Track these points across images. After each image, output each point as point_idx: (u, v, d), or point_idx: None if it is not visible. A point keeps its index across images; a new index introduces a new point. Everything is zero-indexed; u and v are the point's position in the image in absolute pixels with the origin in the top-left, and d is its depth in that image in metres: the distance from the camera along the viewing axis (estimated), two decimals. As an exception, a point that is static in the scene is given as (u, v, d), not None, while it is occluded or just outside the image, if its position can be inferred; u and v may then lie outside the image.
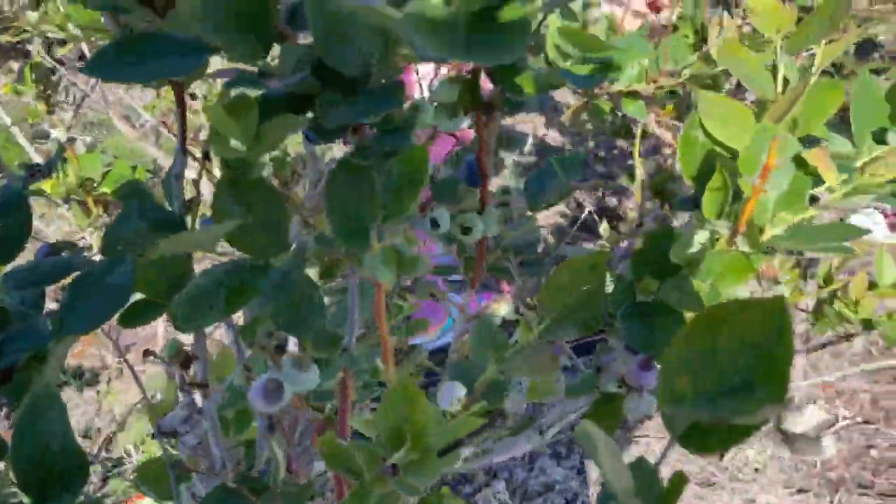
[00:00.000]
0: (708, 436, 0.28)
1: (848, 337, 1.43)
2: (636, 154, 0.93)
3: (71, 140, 0.84)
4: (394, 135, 0.40)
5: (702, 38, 0.91)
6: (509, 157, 2.29)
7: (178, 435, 0.56)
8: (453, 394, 0.47)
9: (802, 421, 1.86)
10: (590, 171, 2.45)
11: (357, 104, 0.35)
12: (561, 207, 2.65)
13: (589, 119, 1.20)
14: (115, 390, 1.70)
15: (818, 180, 0.49)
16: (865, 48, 1.33)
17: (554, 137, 2.48)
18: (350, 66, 0.33)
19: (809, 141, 0.54)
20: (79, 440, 1.72)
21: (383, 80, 0.37)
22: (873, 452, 1.81)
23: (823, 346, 2.08)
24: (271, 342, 0.33)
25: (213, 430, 0.56)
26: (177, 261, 0.43)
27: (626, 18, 0.98)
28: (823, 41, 0.53)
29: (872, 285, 1.05)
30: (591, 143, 2.58)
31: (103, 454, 1.57)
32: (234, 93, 0.36)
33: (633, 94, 0.90)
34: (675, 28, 0.92)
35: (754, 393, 0.26)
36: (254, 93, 0.36)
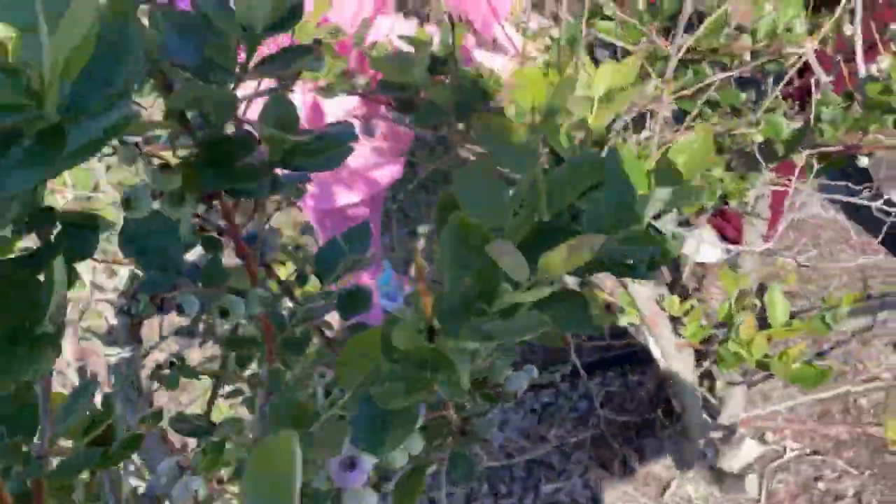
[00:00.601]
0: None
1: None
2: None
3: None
4: (78, 233, 0.39)
5: (565, 86, 0.90)
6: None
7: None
8: (189, 489, 0.45)
9: (740, 456, 1.84)
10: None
11: None
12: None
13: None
14: None
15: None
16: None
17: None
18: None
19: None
20: None
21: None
22: (820, 485, 1.78)
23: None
24: None
25: None
26: None
27: (505, 63, 0.97)
28: (595, 110, 0.52)
29: (766, 324, 1.03)
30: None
31: None
32: None
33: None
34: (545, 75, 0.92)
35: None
36: None
